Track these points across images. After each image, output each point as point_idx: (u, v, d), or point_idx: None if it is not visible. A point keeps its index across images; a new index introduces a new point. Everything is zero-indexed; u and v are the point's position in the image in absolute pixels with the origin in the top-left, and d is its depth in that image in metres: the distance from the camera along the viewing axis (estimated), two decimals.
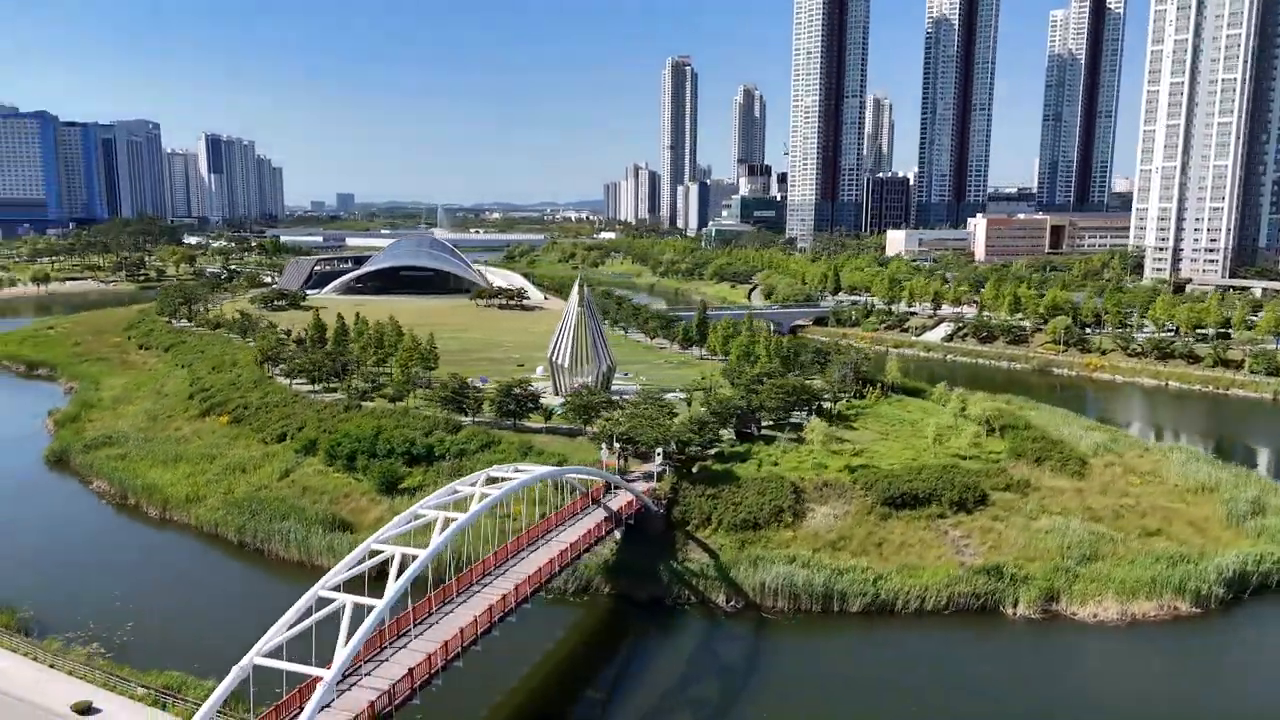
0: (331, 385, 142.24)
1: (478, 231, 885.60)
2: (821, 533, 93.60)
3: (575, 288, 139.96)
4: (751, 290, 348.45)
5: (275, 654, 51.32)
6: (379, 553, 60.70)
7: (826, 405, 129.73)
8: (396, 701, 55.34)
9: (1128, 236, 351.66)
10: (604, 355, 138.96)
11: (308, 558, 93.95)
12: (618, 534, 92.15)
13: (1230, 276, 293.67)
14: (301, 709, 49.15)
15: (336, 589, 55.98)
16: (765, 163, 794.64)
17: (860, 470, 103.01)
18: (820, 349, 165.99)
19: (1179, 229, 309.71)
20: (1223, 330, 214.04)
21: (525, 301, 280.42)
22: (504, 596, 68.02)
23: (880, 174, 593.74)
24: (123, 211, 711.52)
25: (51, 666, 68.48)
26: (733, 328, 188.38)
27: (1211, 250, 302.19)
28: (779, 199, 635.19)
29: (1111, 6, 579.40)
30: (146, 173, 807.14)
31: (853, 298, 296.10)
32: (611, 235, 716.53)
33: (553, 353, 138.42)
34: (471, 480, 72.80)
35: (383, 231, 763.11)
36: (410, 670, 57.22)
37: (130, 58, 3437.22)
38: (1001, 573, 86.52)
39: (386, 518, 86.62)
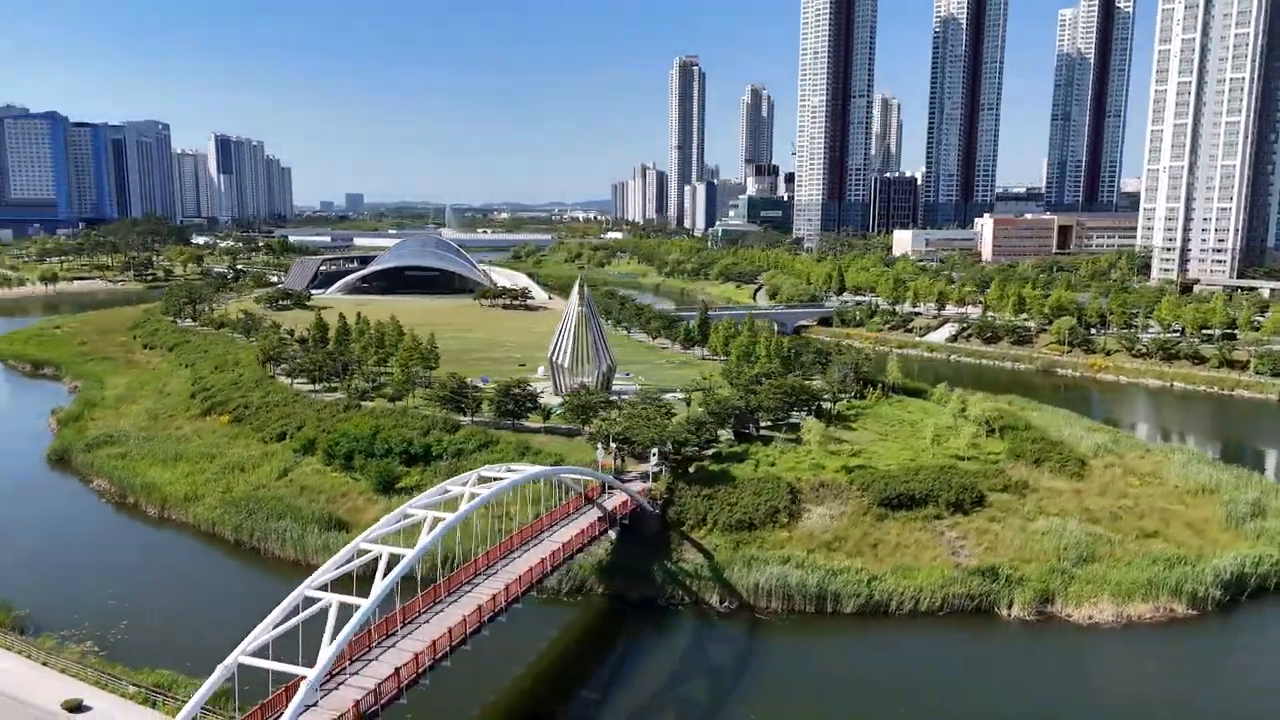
0: (332, 385, 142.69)
1: (485, 231, 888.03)
2: (817, 533, 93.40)
3: (576, 288, 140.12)
4: (756, 290, 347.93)
5: (261, 653, 51.47)
6: (367, 552, 60.84)
7: (826, 406, 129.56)
8: (383, 701, 55.44)
9: (1136, 236, 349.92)
10: (604, 355, 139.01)
11: (303, 557, 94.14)
12: (612, 534, 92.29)
13: (1238, 277, 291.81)
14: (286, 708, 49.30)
15: (324, 588, 56.17)
16: (773, 162, 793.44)
17: (857, 471, 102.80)
18: (821, 349, 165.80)
19: (1186, 229, 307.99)
20: (1228, 331, 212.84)
21: (529, 301, 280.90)
22: (494, 596, 68.13)
23: (888, 174, 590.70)
24: (132, 212, 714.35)
25: (44, 665, 68.84)
26: (734, 328, 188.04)
27: (1219, 250, 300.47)
28: (786, 199, 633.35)
29: (1121, 6, 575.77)
30: (156, 173, 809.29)
31: (857, 298, 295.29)
32: (618, 235, 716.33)
33: (553, 353, 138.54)
34: (463, 480, 72.93)
35: (390, 232, 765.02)
36: (397, 670, 57.30)
37: (130, 58, 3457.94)
38: (997, 574, 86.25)
39: (383, 517, 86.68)
